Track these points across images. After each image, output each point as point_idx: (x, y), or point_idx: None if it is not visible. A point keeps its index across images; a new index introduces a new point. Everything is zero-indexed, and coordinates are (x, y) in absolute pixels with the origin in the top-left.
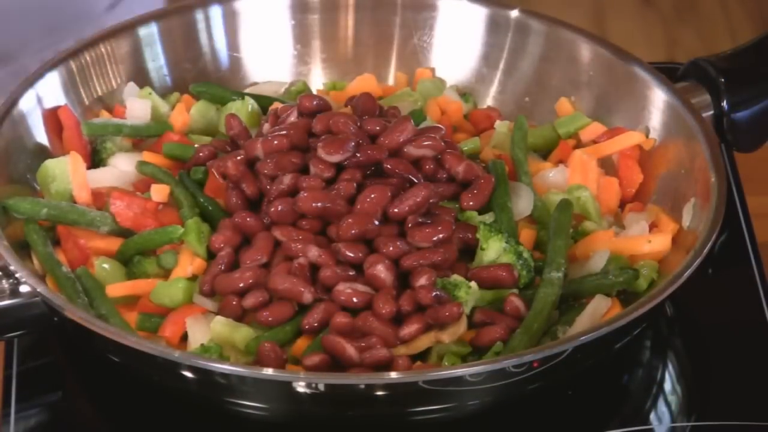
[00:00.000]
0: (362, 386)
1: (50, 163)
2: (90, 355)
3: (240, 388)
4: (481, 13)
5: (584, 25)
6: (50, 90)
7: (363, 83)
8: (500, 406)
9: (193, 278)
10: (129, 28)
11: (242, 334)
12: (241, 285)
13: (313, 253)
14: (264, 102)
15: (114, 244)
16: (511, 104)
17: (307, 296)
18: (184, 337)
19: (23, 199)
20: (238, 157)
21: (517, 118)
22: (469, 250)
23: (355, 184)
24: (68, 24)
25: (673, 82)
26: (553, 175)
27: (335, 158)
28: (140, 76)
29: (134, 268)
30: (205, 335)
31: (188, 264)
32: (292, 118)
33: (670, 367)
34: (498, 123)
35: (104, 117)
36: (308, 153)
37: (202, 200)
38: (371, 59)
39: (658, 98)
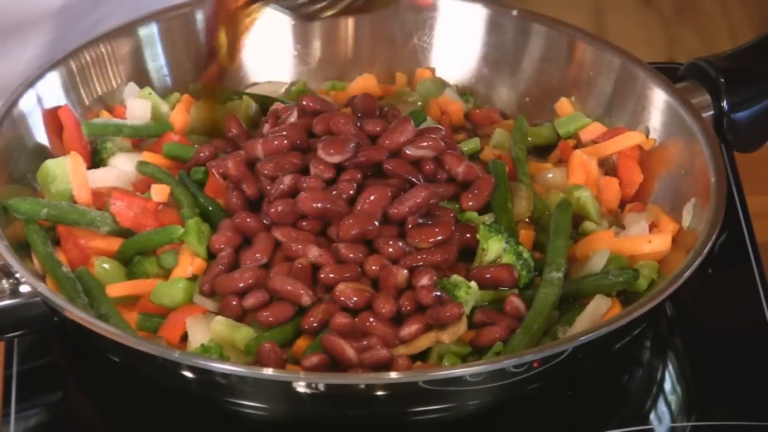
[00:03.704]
0: (362, 386)
1: (50, 163)
2: (90, 355)
3: (240, 388)
4: (481, 13)
5: (584, 25)
6: (50, 90)
7: (363, 83)
8: (500, 406)
9: (193, 278)
10: (129, 28)
11: (242, 334)
12: (241, 285)
13: (314, 253)
14: (264, 102)
15: (114, 244)
16: (511, 104)
17: (306, 299)
18: (184, 337)
19: (23, 199)
20: (239, 158)
21: (517, 118)
22: (469, 251)
23: (355, 185)
24: None
25: (673, 82)
26: (553, 175)
27: (335, 159)
28: (140, 76)
29: (134, 268)
30: (205, 335)
31: (188, 264)
32: (293, 119)
33: (670, 367)
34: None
35: (104, 117)
36: (308, 154)
37: (202, 200)
38: (371, 59)
39: (658, 98)
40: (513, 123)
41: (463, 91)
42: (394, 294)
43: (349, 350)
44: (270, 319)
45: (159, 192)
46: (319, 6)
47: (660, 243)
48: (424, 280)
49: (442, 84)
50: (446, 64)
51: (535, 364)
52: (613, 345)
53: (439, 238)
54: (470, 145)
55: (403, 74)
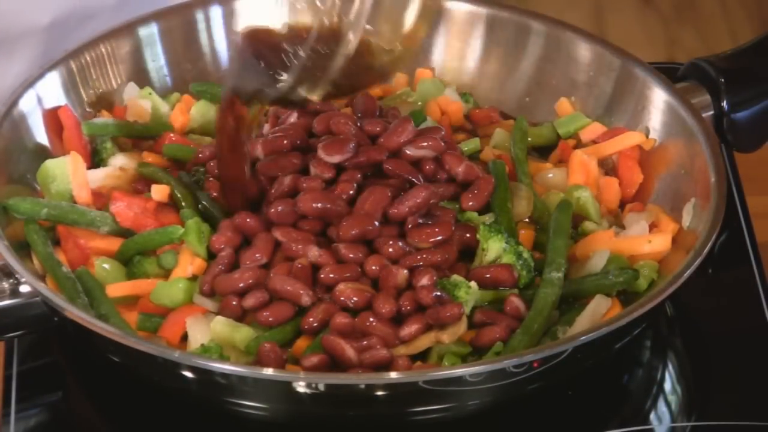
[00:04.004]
0: (362, 386)
1: (50, 163)
2: (90, 355)
3: (240, 388)
4: (481, 13)
5: (584, 25)
6: (50, 90)
7: None
8: (500, 406)
9: (193, 278)
10: (129, 28)
11: (242, 334)
12: (241, 285)
13: (314, 253)
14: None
15: (114, 244)
16: (511, 104)
17: (306, 299)
18: (184, 338)
19: (23, 199)
20: None
21: (517, 118)
22: (469, 251)
23: (355, 185)
24: None
25: (673, 82)
26: (553, 175)
27: (335, 159)
28: (140, 76)
29: (134, 268)
30: (205, 335)
31: (188, 264)
32: (293, 119)
33: (670, 367)
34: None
35: (104, 117)
36: (308, 154)
37: (202, 200)
38: None
39: (658, 98)
40: (513, 123)
41: (463, 91)
42: (394, 294)
43: (349, 350)
44: (270, 319)
45: (159, 192)
46: (302, 89)
47: (660, 243)
48: (424, 280)
49: (442, 84)
50: (446, 64)
51: (535, 364)
52: (613, 345)
53: (439, 238)
54: (470, 145)
55: (403, 74)
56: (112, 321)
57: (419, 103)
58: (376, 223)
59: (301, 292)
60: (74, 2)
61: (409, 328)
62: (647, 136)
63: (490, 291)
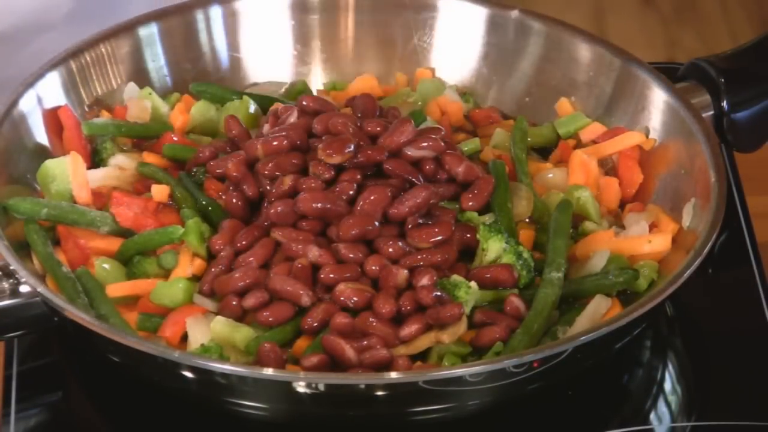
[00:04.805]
0: (362, 386)
1: (50, 163)
2: (90, 355)
3: (240, 388)
4: (481, 13)
5: (584, 25)
6: (50, 90)
7: (363, 83)
8: (500, 406)
9: (193, 278)
10: (129, 28)
11: (242, 334)
12: (241, 285)
13: (314, 253)
14: (264, 102)
15: (114, 244)
16: (511, 104)
17: (305, 299)
18: (184, 338)
19: (23, 199)
20: (239, 158)
21: (517, 118)
22: (469, 251)
23: (355, 185)
24: None
25: (673, 82)
26: (553, 175)
27: (335, 159)
28: (140, 76)
29: (134, 268)
30: (205, 335)
31: (188, 264)
32: (293, 119)
33: (670, 367)
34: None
35: (104, 117)
36: (308, 153)
37: (202, 200)
38: (371, 59)
39: (658, 98)
40: (513, 123)
41: (463, 91)
42: (394, 294)
43: (349, 350)
44: (270, 319)
45: (159, 192)
46: None
47: (660, 243)
48: (424, 280)
49: (442, 84)
50: (446, 64)
51: (535, 364)
52: (613, 345)
53: (439, 238)
54: (470, 145)
55: (403, 74)
56: (112, 321)
57: (419, 103)
58: (376, 223)
59: (301, 292)
60: (22, 16)
61: (409, 328)
62: (647, 136)
63: (490, 291)
